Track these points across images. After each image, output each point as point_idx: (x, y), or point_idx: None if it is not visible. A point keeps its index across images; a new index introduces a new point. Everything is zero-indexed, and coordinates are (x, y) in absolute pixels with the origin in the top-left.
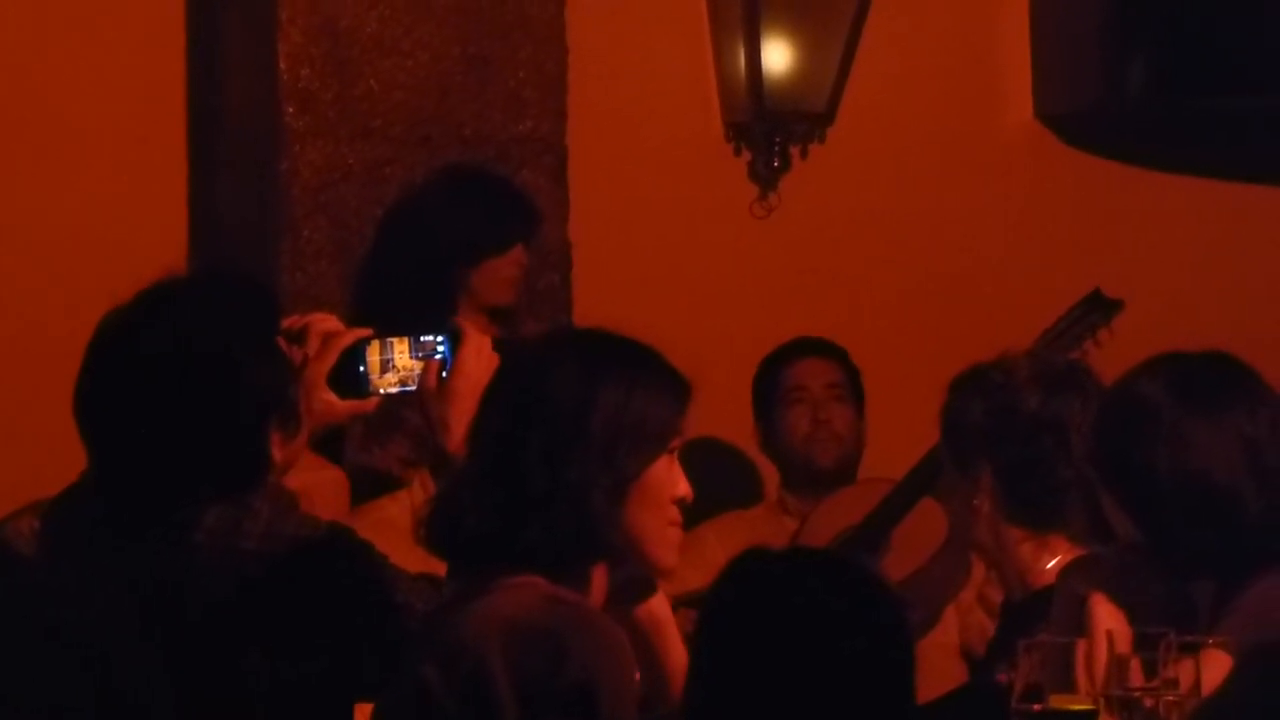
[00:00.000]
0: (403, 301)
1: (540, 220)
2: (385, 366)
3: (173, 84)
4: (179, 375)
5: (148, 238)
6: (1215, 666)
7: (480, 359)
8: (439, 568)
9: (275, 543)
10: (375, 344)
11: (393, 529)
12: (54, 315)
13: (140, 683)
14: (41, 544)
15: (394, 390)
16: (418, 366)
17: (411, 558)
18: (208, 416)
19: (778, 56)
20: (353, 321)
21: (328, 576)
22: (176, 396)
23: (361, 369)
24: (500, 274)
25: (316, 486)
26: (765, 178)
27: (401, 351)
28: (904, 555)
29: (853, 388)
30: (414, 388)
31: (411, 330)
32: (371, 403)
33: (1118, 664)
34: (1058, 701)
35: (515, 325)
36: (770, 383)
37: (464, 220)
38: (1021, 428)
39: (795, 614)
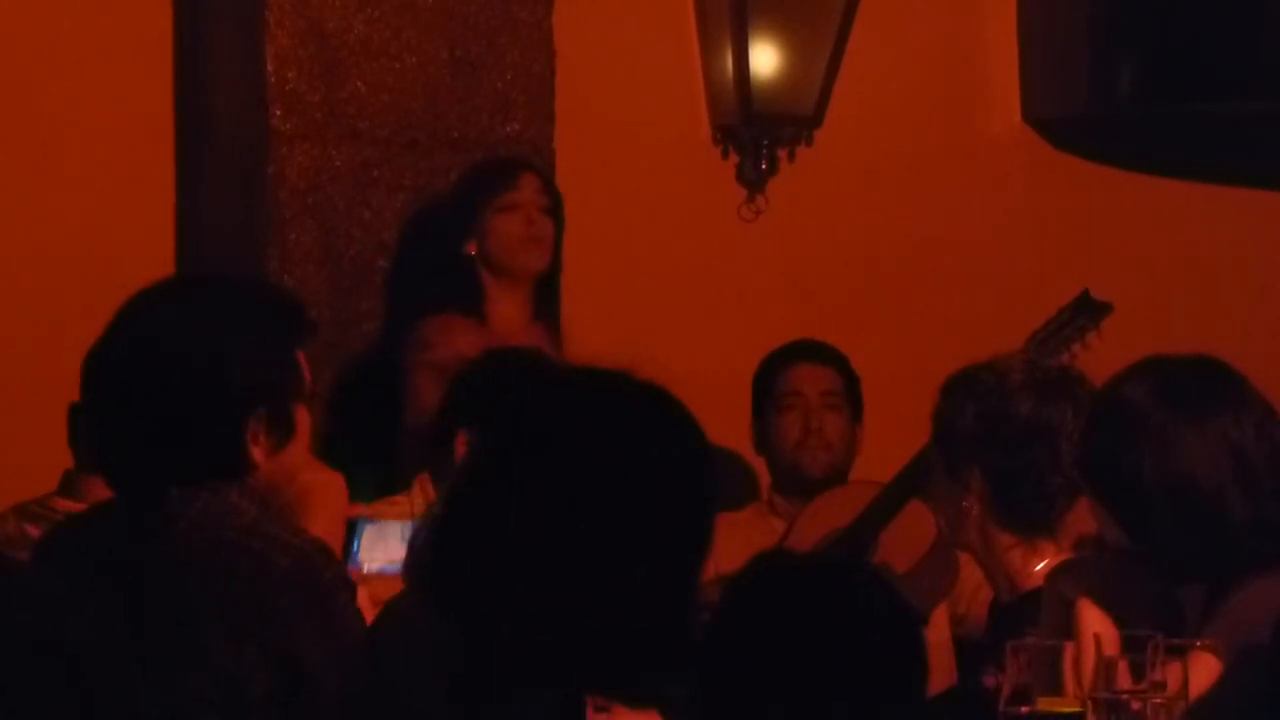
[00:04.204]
0: (425, 288)
1: (539, 171)
2: (375, 547)
3: (160, 87)
4: (167, 357)
5: (135, 240)
6: (1202, 669)
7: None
8: None
9: (258, 542)
10: (372, 527)
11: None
12: (41, 317)
13: (125, 691)
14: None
15: (376, 569)
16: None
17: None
18: (185, 399)
19: (765, 59)
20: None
21: (305, 583)
22: (160, 377)
23: (355, 546)
24: (512, 231)
25: (315, 487)
26: (753, 181)
27: (393, 534)
28: (892, 557)
29: (849, 395)
30: (397, 569)
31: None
32: (354, 575)
33: (1105, 666)
34: (1045, 704)
35: (555, 298)
36: (767, 384)
37: (460, 181)
38: (1013, 433)
39: (812, 617)
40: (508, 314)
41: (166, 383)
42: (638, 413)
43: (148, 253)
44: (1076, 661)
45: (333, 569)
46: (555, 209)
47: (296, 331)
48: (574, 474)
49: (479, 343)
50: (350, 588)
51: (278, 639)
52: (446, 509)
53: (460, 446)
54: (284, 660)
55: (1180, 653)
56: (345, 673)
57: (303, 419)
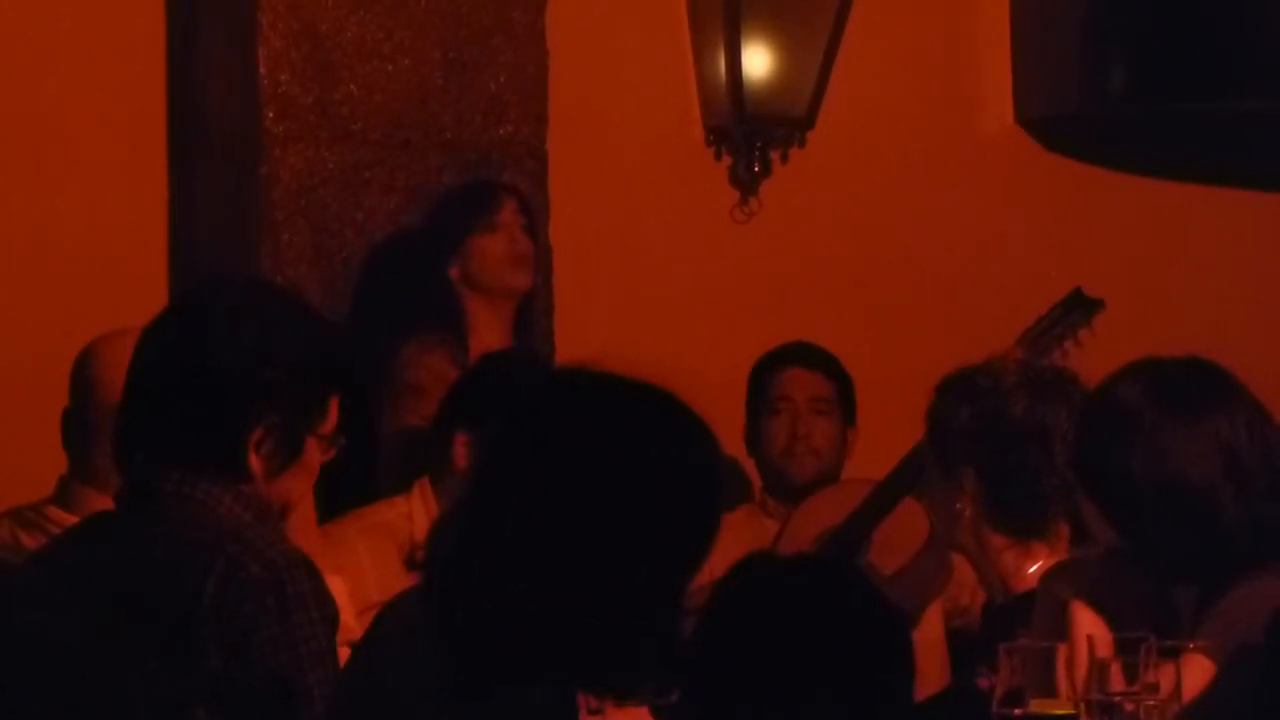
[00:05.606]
0: (403, 303)
1: (517, 193)
2: None
3: (153, 89)
4: (207, 341)
5: (128, 242)
6: (1196, 671)
7: None
8: None
9: (235, 546)
10: None
11: (387, 533)
12: (34, 319)
13: (123, 691)
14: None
15: None
16: None
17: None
18: (203, 380)
19: (758, 61)
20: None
21: (271, 593)
22: (189, 355)
23: None
24: (493, 251)
25: None
26: (746, 182)
27: None
28: (884, 556)
29: (839, 399)
30: None
31: None
32: None
33: (1098, 668)
34: (1038, 706)
35: (534, 314)
36: (757, 388)
37: (439, 204)
38: (1007, 434)
39: (799, 619)
40: (488, 337)
41: (192, 361)
42: (640, 415)
43: (141, 254)
44: (1070, 663)
45: (305, 583)
46: (532, 228)
47: (340, 374)
48: (574, 474)
49: (457, 364)
50: (325, 604)
51: (243, 644)
52: (454, 509)
53: (459, 448)
54: (252, 665)
55: (1174, 654)
56: (310, 685)
57: (312, 455)
